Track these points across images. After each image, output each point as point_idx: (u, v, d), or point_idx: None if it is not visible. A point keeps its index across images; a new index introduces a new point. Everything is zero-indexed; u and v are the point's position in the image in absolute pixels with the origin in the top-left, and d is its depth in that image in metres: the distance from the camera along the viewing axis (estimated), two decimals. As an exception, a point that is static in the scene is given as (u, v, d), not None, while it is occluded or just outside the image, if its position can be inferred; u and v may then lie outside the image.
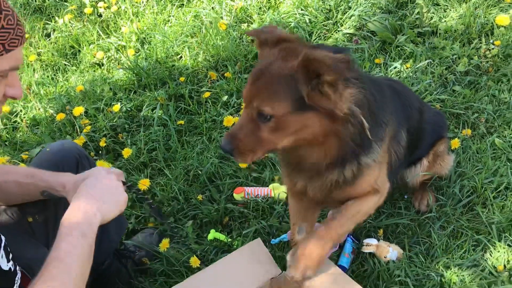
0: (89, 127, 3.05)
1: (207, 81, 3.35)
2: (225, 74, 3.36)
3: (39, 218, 1.83)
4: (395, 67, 3.21)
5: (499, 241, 2.22)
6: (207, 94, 3.19)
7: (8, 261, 1.53)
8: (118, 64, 3.77)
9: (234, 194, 2.58)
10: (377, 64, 3.27)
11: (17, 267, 1.57)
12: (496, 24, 3.33)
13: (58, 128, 3.17)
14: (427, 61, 3.17)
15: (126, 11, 4.17)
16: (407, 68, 3.18)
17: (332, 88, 1.41)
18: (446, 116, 2.88)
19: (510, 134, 2.69)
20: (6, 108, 3.29)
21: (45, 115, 3.31)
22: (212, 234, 2.43)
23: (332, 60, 1.37)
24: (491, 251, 2.21)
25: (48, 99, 3.50)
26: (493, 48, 3.21)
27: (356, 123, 1.54)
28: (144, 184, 2.61)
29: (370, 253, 2.24)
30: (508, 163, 2.52)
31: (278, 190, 2.53)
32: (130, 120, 3.17)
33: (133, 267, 2.31)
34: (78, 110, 3.05)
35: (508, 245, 2.21)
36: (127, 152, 2.78)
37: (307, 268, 1.76)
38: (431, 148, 2.32)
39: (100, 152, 2.92)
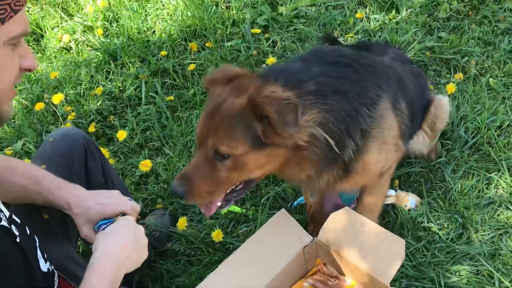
0: (73, 113, 2.88)
1: (189, 53, 3.22)
2: (206, 44, 3.24)
3: (55, 214, 1.71)
4: (377, 20, 3.19)
5: (510, 176, 2.28)
6: (192, 67, 3.06)
7: (46, 261, 1.42)
8: (87, 46, 3.56)
9: (241, 164, 2.51)
10: (359, 18, 3.24)
11: (52, 267, 1.47)
12: (469, -32, 3.36)
13: (38, 119, 2.97)
14: (409, 10, 3.17)
15: (86, -11, 3.92)
16: (390, 19, 3.16)
17: (284, 128, 1.32)
18: (436, 63, 2.91)
19: (501, 74, 2.75)
20: None
21: (20, 106, 3.09)
22: (226, 207, 2.37)
23: (277, 105, 1.31)
24: (503, 187, 2.27)
25: (18, 90, 3.27)
26: (469, -8, 3.25)
27: (322, 143, 1.47)
28: (146, 165, 2.50)
29: (389, 204, 2.25)
30: (507, 101, 2.57)
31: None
32: (115, 102, 3.01)
33: (152, 250, 2.23)
34: (58, 98, 2.86)
35: (520, 179, 2.28)
36: (121, 135, 2.64)
37: None
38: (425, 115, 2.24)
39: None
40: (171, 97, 2.93)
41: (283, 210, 1.99)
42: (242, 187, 1.57)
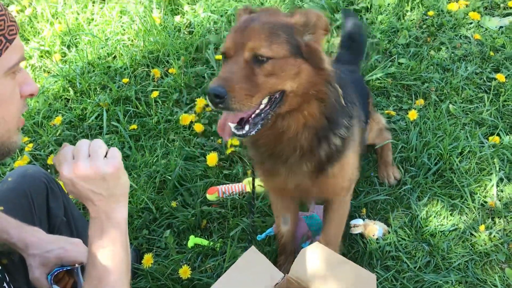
0: (30, 145, 2.76)
1: (152, 80, 3.16)
2: (170, 70, 3.19)
3: (15, 259, 1.61)
4: (340, 46, 3.23)
5: (473, 202, 2.33)
6: (155, 94, 3.01)
7: None
8: (45, 72, 3.44)
9: (207, 195, 2.47)
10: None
11: None
12: (425, -5, 3.48)
13: (-8, 151, 2.82)
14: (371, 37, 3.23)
15: (43, 13, 3.81)
16: (352, 46, 3.21)
17: (320, 46, 1.52)
18: (398, 89, 2.97)
19: (460, 99, 2.83)
20: None
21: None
22: (192, 240, 2.31)
23: (325, 23, 1.53)
24: (466, 213, 2.32)
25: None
26: (426, 19, 3.35)
27: (333, 89, 1.59)
28: (108, 198, 2.40)
29: (357, 234, 2.25)
30: (466, 127, 2.65)
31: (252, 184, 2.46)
32: (75, 131, 2.91)
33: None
34: (14, 128, 2.73)
35: (482, 204, 2.33)
36: (83, 167, 2.54)
37: None
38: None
39: (49, 170, 2.65)
40: (134, 126, 2.85)
41: (253, 247, 1.95)
42: (268, 108, 1.52)
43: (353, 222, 2.27)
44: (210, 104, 1.42)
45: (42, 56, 3.54)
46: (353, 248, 2.23)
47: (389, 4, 3.48)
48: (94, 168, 1.14)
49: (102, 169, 1.15)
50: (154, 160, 2.66)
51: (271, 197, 2.15)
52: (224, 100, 1.38)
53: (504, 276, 2.06)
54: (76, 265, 1.50)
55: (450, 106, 2.77)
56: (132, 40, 3.52)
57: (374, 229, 2.23)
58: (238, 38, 1.46)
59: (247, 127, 1.50)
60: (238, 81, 1.41)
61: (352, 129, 1.75)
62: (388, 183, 2.49)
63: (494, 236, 2.20)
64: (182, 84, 3.07)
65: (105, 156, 1.18)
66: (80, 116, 3.00)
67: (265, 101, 1.49)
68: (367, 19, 3.41)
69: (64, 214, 1.86)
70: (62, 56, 3.51)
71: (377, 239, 2.22)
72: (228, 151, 2.65)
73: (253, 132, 1.50)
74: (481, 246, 2.17)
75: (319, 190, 1.87)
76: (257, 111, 1.50)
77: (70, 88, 3.19)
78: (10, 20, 1.07)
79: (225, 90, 1.38)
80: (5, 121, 1.10)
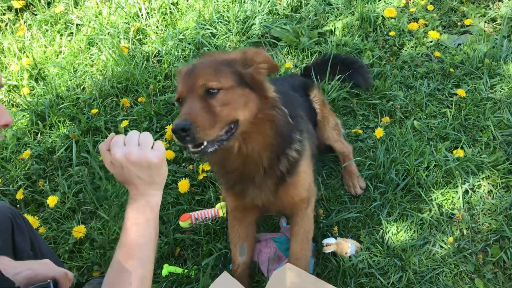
0: (-1, 180, 2.72)
1: (121, 109, 3.17)
2: (139, 99, 3.20)
3: None
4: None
5: (441, 215, 2.38)
6: (125, 123, 3.01)
7: None
8: (13, 106, 3.41)
9: (180, 223, 2.46)
10: (288, 68, 3.34)
11: None
12: (386, 17, 3.60)
13: (-42, 188, 2.78)
14: (335, 58, 3.31)
15: (9, 48, 3.80)
16: (317, 67, 3.28)
17: (263, 79, 1.74)
18: (364, 108, 3.04)
19: (424, 115, 2.91)
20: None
21: None
22: (166, 269, 2.29)
23: (265, 57, 1.74)
24: (436, 226, 2.36)
25: None
26: (389, 39, 3.46)
27: (280, 111, 1.79)
28: (79, 231, 2.38)
29: (330, 253, 2.27)
30: (431, 142, 2.72)
31: (225, 209, 2.46)
32: (44, 165, 2.88)
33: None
34: (-19, 164, 2.70)
35: (450, 217, 2.38)
36: (52, 200, 2.52)
37: None
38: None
39: (18, 206, 2.62)
40: (104, 156, 2.84)
41: (225, 272, 1.96)
42: (225, 136, 1.66)
43: (325, 241, 2.28)
44: (176, 140, 1.55)
45: (9, 91, 3.52)
46: (327, 267, 2.25)
47: (352, 26, 3.58)
48: (143, 156, 1.30)
49: (149, 158, 1.31)
50: (125, 190, 2.64)
51: (230, 223, 2.22)
52: (189, 131, 1.50)
53: (474, 286, 2.10)
54: (48, 280, 1.48)
55: (415, 122, 2.85)
56: (101, 71, 3.53)
57: (346, 247, 2.25)
58: (188, 81, 1.63)
59: (205, 143, 1.59)
60: (198, 114, 1.55)
61: (303, 142, 2.00)
62: (354, 192, 2.53)
63: (463, 247, 2.24)
64: (152, 112, 3.08)
65: (152, 148, 1.35)
66: (50, 149, 2.98)
67: (223, 132, 1.64)
68: (331, 41, 3.50)
69: (31, 248, 1.84)
70: (31, 90, 3.49)
71: (349, 257, 2.24)
72: (200, 177, 2.66)
73: (211, 150, 1.61)
74: (450, 258, 2.21)
75: (281, 203, 2.05)
76: (220, 135, 1.64)
77: (39, 122, 3.17)
78: None
79: (189, 123, 1.50)
80: None
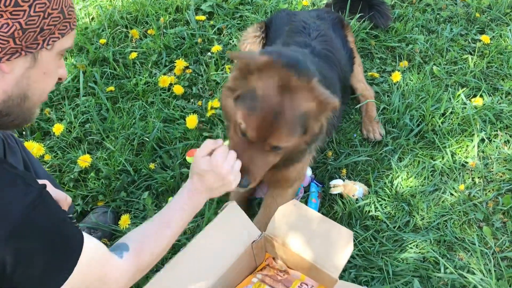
0: (4, 106, 2.67)
1: (130, 41, 3.07)
2: (148, 31, 3.10)
3: None
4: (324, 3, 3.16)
5: (454, 163, 2.32)
6: (133, 55, 2.92)
7: None
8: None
9: (187, 158, 2.40)
10: (305, 5, 3.20)
11: None
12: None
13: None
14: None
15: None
16: (336, 7, 3.14)
17: (323, 120, 1.67)
18: (382, 51, 2.92)
19: (444, 61, 2.79)
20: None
21: None
22: (171, 202, 2.28)
23: (335, 106, 1.61)
24: (447, 173, 2.31)
25: None
26: (413, -20, 3.27)
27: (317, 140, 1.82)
28: (85, 160, 2.35)
29: (337, 194, 2.23)
30: (450, 89, 2.61)
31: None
32: (51, 93, 2.83)
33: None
34: (-13, 89, 2.64)
35: (463, 165, 2.32)
36: (58, 129, 2.48)
37: None
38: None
39: (24, 133, 2.59)
40: (112, 88, 2.78)
41: (233, 202, 1.93)
42: None
43: (332, 182, 2.25)
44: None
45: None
46: (332, 208, 2.22)
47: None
48: (228, 173, 1.52)
49: (228, 175, 1.53)
50: (132, 122, 2.60)
51: None
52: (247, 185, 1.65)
53: (481, 235, 2.06)
54: None
55: (434, 67, 2.73)
56: (111, 0, 3.41)
57: (354, 189, 2.21)
58: (262, 132, 1.56)
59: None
60: (257, 171, 1.64)
61: (313, 145, 1.95)
62: (373, 138, 2.46)
63: (474, 195, 2.19)
64: (162, 46, 2.98)
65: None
66: (56, 78, 2.91)
67: None
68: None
69: (25, 169, 1.80)
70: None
71: (356, 199, 2.21)
72: (209, 114, 2.60)
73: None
74: (460, 205, 2.16)
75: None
76: None
77: (46, 50, 3.09)
78: (74, 13, 1.25)
79: (247, 184, 1.63)
80: (43, 92, 1.24)
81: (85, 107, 2.70)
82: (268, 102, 1.55)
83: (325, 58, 2.21)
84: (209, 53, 2.94)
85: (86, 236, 1.25)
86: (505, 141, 2.39)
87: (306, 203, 2.21)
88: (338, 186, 2.23)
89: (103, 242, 2.11)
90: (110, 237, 2.18)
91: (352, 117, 2.59)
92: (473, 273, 1.93)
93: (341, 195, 2.23)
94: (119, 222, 2.15)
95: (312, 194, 2.24)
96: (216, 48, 2.88)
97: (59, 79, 1.31)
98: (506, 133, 2.41)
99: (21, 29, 1.09)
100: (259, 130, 1.56)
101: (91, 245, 1.26)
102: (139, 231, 1.47)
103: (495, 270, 1.93)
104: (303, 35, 2.32)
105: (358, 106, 2.52)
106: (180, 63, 2.82)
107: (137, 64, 2.92)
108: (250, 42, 2.65)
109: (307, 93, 1.57)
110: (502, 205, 2.14)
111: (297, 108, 1.56)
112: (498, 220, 2.10)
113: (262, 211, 2.09)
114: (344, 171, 2.31)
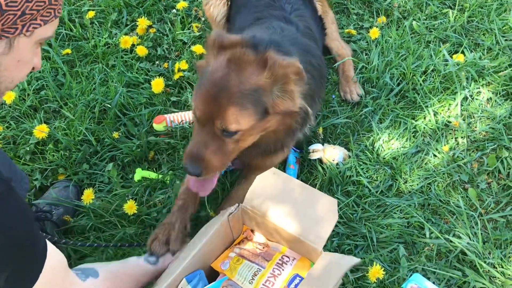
0: None
1: (87, -1, 2.81)
2: (107, -12, 2.83)
3: None
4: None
5: (436, 123, 2.22)
6: (91, 14, 2.67)
7: None
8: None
9: (154, 125, 2.24)
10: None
11: None
12: None
13: None
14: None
15: None
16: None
17: (292, 93, 1.54)
18: (358, 6, 2.76)
19: (424, 16, 2.65)
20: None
21: None
22: (139, 174, 2.11)
23: (296, 69, 1.49)
24: (430, 134, 2.21)
25: None
26: None
27: (302, 112, 1.66)
28: (41, 130, 2.15)
29: (316, 159, 2.11)
30: (430, 45, 2.49)
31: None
32: (0, 58, 2.56)
33: (55, 228, 1.93)
34: None
35: (446, 124, 2.22)
36: (9, 97, 2.25)
37: None
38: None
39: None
40: (68, 50, 2.54)
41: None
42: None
43: (311, 147, 2.12)
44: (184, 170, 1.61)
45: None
46: (312, 174, 2.10)
47: None
48: None
49: None
50: (92, 88, 2.38)
51: None
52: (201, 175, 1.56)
53: (467, 197, 1.99)
54: None
55: (414, 23, 2.60)
56: (63, -45, 3.10)
57: (334, 154, 2.09)
58: (208, 110, 1.47)
59: (215, 182, 1.69)
60: (210, 156, 1.52)
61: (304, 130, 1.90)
62: (351, 99, 2.33)
63: (458, 156, 2.10)
64: (122, 3, 2.74)
65: None
66: (5, 41, 2.64)
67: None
68: None
69: None
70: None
71: (337, 164, 2.09)
72: (176, 76, 2.41)
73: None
74: (444, 167, 2.08)
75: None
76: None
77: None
78: (61, 1, 1.19)
79: (200, 171, 1.53)
80: (12, 81, 1.18)
81: (40, 72, 2.46)
82: (212, 78, 1.48)
83: (308, 36, 2.07)
84: (174, 10, 2.71)
85: (48, 244, 1.21)
86: (487, 99, 2.30)
87: (284, 170, 2.08)
88: (318, 151, 2.10)
89: (65, 219, 1.96)
90: (73, 213, 2.01)
91: (330, 77, 2.45)
92: (459, 237, 1.86)
93: (320, 160, 2.11)
94: (82, 197, 1.97)
95: (290, 160, 2.11)
96: (182, 4, 2.66)
97: (32, 68, 1.24)
98: (488, 90, 2.31)
99: (0, 10, 1.01)
100: (204, 108, 1.48)
101: (53, 254, 1.22)
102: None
103: (481, 233, 1.86)
104: (277, 8, 2.13)
105: (335, 65, 2.37)
106: (143, 22, 2.59)
107: (95, 24, 2.67)
108: (214, 4, 2.44)
109: (257, 66, 1.48)
110: (486, 165, 2.06)
111: (245, 82, 1.46)
112: (483, 181, 2.02)
113: (241, 187, 1.95)
114: (320, 129, 2.17)
